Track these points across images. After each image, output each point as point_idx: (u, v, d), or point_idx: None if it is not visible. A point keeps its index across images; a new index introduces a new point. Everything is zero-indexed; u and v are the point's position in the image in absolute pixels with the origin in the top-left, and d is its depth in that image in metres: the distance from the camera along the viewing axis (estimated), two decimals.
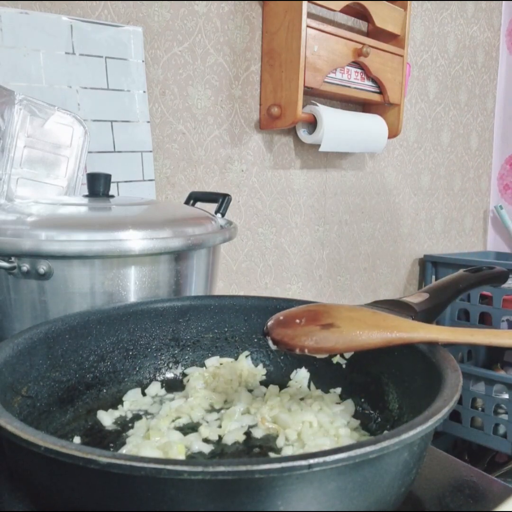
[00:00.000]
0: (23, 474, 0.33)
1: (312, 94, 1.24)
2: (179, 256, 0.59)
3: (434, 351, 0.41)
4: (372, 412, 0.48)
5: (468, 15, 1.78)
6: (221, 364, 0.56)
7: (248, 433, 0.45)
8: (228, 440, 0.44)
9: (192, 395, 0.51)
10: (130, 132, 0.93)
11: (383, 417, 0.46)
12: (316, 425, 0.45)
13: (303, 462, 0.25)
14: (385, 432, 0.41)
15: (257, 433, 0.45)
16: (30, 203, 0.64)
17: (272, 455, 0.42)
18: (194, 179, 1.10)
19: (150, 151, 0.97)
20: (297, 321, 0.41)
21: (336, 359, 0.52)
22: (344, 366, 0.52)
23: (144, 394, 0.52)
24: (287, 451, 0.42)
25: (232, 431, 0.45)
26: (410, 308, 0.51)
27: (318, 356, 0.42)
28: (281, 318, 0.42)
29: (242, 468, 0.25)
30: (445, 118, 1.77)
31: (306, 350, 0.40)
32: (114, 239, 0.54)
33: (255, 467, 0.25)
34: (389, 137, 1.37)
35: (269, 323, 0.42)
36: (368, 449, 0.27)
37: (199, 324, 0.56)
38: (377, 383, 0.48)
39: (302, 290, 1.37)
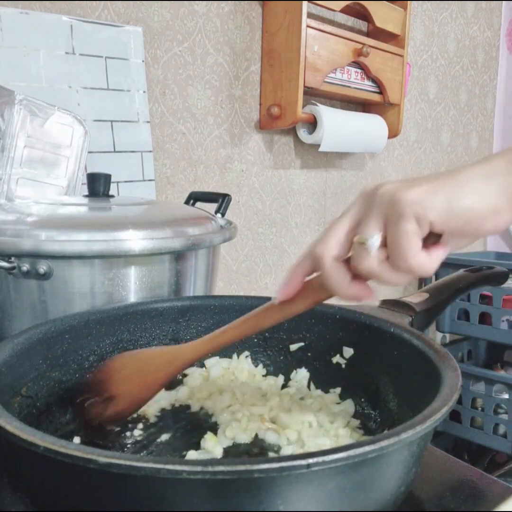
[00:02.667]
0: (23, 474, 0.33)
1: (312, 94, 1.24)
2: (179, 256, 0.59)
3: (434, 351, 0.41)
4: (372, 412, 0.48)
5: (468, 15, 1.78)
6: (222, 366, 0.56)
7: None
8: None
9: (192, 396, 0.51)
10: (130, 132, 0.93)
11: (383, 417, 0.46)
12: (316, 425, 0.45)
13: (302, 462, 0.25)
14: (385, 431, 0.40)
15: (258, 433, 0.45)
16: (30, 203, 0.64)
17: (271, 455, 0.42)
18: (194, 179, 1.10)
19: (150, 151, 0.97)
20: (86, 404, 0.44)
21: (336, 359, 0.52)
22: (343, 366, 0.52)
23: None
24: (287, 451, 0.42)
25: (233, 431, 0.45)
26: (409, 308, 0.52)
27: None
28: (85, 405, 0.44)
29: (241, 467, 0.25)
30: (445, 118, 1.77)
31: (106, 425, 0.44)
32: (114, 239, 0.54)
33: (254, 467, 0.25)
34: (389, 137, 1.37)
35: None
36: (367, 448, 0.27)
37: (199, 324, 0.56)
38: (377, 383, 0.48)
39: None
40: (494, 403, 1.52)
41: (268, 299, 0.58)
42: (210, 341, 0.43)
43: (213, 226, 0.65)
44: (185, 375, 0.55)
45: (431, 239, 0.33)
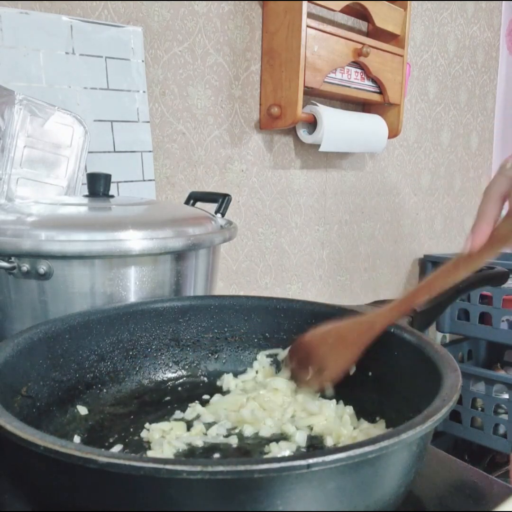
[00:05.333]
0: (23, 474, 0.33)
1: (312, 94, 1.24)
2: (179, 256, 0.59)
3: (434, 351, 0.41)
4: (371, 412, 0.48)
5: (468, 15, 1.78)
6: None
7: None
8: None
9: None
10: (130, 132, 0.93)
11: (382, 417, 0.46)
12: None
13: (302, 462, 0.25)
14: (385, 432, 0.40)
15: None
16: (30, 203, 0.64)
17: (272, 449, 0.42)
18: (194, 179, 1.10)
19: (150, 151, 0.97)
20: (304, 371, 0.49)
21: None
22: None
23: None
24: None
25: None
26: None
27: None
28: (294, 364, 0.51)
29: (241, 468, 0.25)
30: (445, 118, 1.77)
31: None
32: (114, 239, 0.54)
33: (254, 467, 0.25)
34: (389, 137, 1.37)
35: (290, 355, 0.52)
36: (367, 449, 0.27)
37: (199, 324, 0.56)
38: (376, 383, 0.48)
39: (302, 290, 1.37)
40: (494, 403, 1.52)
41: (268, 299, 0.58)
42: (402, 304, 0.45)
43: (213, 226, 0.65)
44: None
45: None
